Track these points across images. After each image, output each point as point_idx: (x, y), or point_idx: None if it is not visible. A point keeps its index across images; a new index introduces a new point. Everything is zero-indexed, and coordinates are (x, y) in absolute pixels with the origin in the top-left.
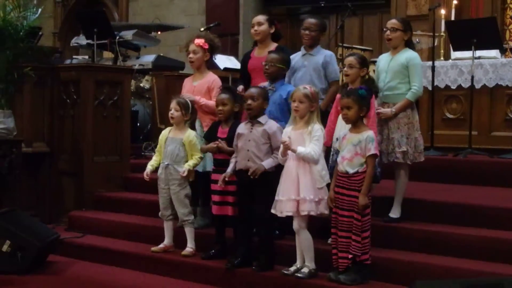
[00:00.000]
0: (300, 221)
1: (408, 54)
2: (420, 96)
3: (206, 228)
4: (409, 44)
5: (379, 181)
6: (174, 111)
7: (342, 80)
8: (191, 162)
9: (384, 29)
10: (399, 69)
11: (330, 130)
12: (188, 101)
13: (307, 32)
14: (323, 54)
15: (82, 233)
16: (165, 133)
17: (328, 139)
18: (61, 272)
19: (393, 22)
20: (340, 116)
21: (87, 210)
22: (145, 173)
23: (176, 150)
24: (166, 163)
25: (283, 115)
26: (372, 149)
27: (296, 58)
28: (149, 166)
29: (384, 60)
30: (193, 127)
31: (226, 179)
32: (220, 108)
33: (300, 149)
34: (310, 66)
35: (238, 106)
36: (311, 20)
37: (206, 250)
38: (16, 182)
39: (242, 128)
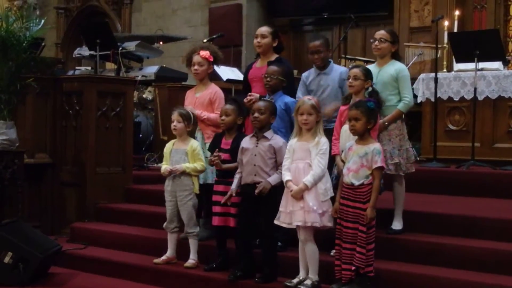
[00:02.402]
0: (306, 233)
1: (397, 66)
2: (411, 107)
3: (208, 240)
4: (396, 56)
5: (382, 192)
6: (176, 122)
7: None
8: (189, 164)
9: (372, 40)
10: (388, 81)
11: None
12: (190, 112)
13: (316, 56)
14: (337, 71)
15: (84, 244)
16: (169, 145)
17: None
18: (63, 284)
19: (381, 33)
20: (343, 128)
21: (90, 222)
22: (167, 170)
23: (181, 161)
24: (172, 175)
25: (283, 125)
26: (379, 162)
27: (310, 77)
28: (164, 166)
29: (371, 72)
30: (192, 136)
31: (233, 194)
32: (222, 117)
33: (308, 180)
34: (325, 85)
35: (241, 119)
36: (317, 42)
37: (208, 261)
38: (18, 193)
39: (247, 142)
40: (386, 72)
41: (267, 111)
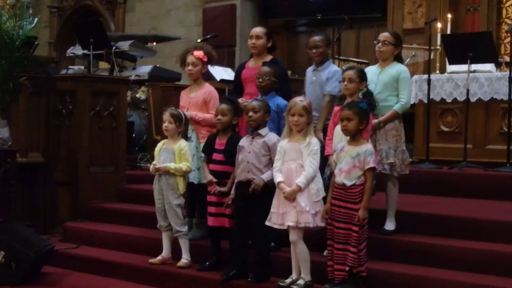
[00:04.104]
0: (297, 233)
1: (399, 68)
2: (407, 108)
3: (202, 239)
4: (398, 58)
5: (374, 193)
6: (168, 123)
7: None
8: (172, 165)
9: (376, 41)
10: (389, 82)
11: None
12: (181, 112)
13: (314, 50)
14: (327, 70)
15: (77, 244)
16: (160, 144)
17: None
18: (55, 284)
19: (385, 36)
20: (336, 129)
21: (82, 221)
22: (153, 167)
23: (167, 161)
24: (159, 173)
25: (273, 126)
26: (371, 163)
27: (309, 72)
28: (152, 164)
29: (372, 72)
30: (185, 137)
31: (229, 202)
32: (219, 117)
33: (300, 181)
34: (317, 81)
35: (236, 119)
36: (316, 38)
37: (201, 261)
38: (11, 193)
39: (243, 141)
40: (387, 73)
41: (261, 110)
